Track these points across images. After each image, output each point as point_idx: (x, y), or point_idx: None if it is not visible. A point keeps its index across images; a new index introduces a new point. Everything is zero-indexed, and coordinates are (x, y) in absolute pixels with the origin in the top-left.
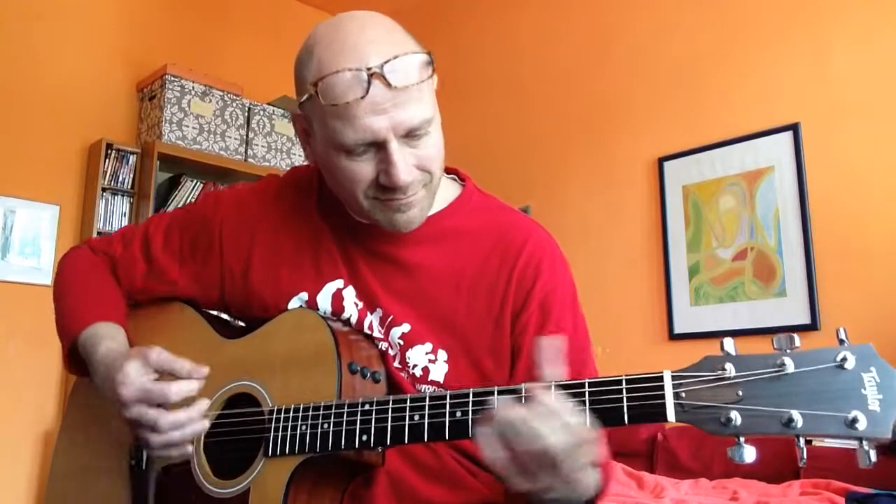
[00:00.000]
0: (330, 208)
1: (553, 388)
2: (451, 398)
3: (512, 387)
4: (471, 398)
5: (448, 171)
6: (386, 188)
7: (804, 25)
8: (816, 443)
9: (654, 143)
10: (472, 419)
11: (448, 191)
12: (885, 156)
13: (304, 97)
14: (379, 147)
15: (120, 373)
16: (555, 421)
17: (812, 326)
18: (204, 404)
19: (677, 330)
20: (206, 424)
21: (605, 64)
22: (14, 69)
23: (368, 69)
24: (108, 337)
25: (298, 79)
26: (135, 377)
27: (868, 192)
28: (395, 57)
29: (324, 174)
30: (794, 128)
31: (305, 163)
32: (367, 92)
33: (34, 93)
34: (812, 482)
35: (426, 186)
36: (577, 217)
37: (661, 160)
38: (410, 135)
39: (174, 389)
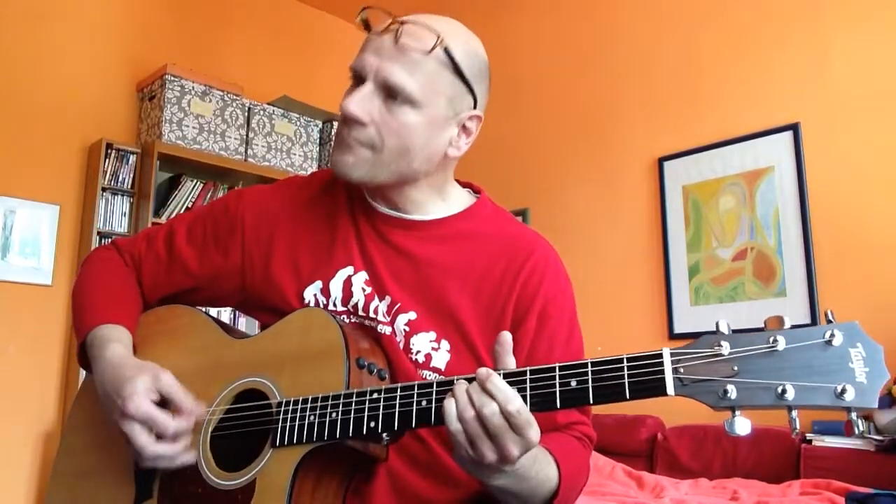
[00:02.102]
0: (354, 197)
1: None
2: (458, 381)
3: (518, 369)
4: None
5: (463, 184)
6: (342, 120)
7: (804, 25)
8: (816, 443)
9: (654, 143)
10: None
11: (463, 200)
12: (885, 156)
13: None
14: (360, 82)
15: (129, 385)
16: (497, 396)
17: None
18: (187, 440)
19: (677, 330)
20: (187, 459)
21: (605, 64)
22: (14, 69)
23: (395, 18)
24: (115, 340)
25: None
26: (143, 397)
27: (868, 192)
28: (420, 24)
29: None
30: (794, 128)
31: (305, 167)
32: (381, 33)
33: (34, 93)
34: (812, 482)
35: (374, 152)
36: (577, 217)
37: (661, 160)
38: (389, 93)
39: (173, 426)
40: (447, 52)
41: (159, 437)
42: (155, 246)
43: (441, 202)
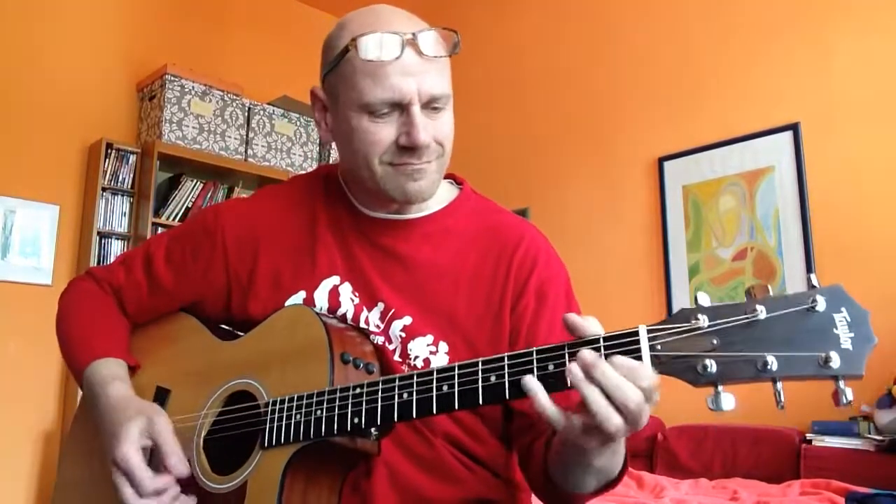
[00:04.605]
0: (335, 204)
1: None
2: (437, 373)
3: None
4: (456, 372)
5: (445, 175)
6: (403, 151)
7: (804, 25)
8: (816, 443)
9: (654, 143)
10: (458, 392)
11: (447, 192)
12: (885, 156)
13: (333, 63)
14: (402, 110)
15: (123, 428)
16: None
17: None
18: (174, 492)
19: None
20: None
21: (604, 64)
22: (14, 69)
23: (404, 34)
24: (116, 377)
25: (328, 50)
26: (132, 446)
27: (868, 192)
28: (428, 29)
29: (340, 147)
30: (794, 128)
31: (305, 166)
32: (402, 54)
33: (34, 93)
34: (812, 482)
35: (438, 160)
36: (577, 217)
37: (661, 160)
38: (430, 105)
39: (149, 488)
40: (457, 36)
41: (139, 493)
42: (134, 273)
43: None
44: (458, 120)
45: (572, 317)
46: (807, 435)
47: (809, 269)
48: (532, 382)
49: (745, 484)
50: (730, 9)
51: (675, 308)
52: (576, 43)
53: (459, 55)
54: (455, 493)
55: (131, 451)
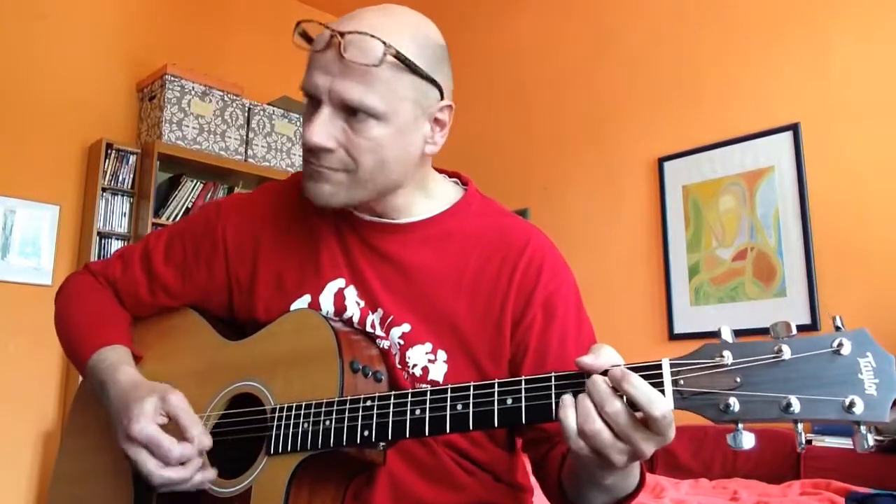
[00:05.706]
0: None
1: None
2: (451, 392)
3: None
4: (472, 391)
5: (450, 174)
6: (305, 147)
7: (804, 25)
8: (816, 443)
9: (654, 143)
10: (472, 412)
11: (450, 193)
12: (885, 156)
13: None
14: (317, 105)
15: (136, 406)
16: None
17: (812, 327)
18: (198, 463)
19: (677, 330)
20: (203, 478)
21: (605, 64)
22: (14, 69)
23: (335, 31)
24: (124, 362)
25: None
26: (149, 419)
27: (868, 192)
28: (362, 33)
29: None
30: (794, 128)
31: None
32: (324, 50)
33: (34, 93)
34: (812, 482)
35: (349, 173)
36: (577, 217)
37: (661, 160)
38: (349, 111)
39: (176, 454)
40: (398, 56)
41: (164, 462)
42: (131, 269)
43: (425, 199)
44: (458, 120)
45: (585, 361)
46: (807, 435)
47: (809, 269)
48: (570, 399)
49: (745, 484)
50: (729, 9)
51: (675, 308)
52: (576, 43)
53: (460, 55)
54: (457, 499)
55: (148, 423)
